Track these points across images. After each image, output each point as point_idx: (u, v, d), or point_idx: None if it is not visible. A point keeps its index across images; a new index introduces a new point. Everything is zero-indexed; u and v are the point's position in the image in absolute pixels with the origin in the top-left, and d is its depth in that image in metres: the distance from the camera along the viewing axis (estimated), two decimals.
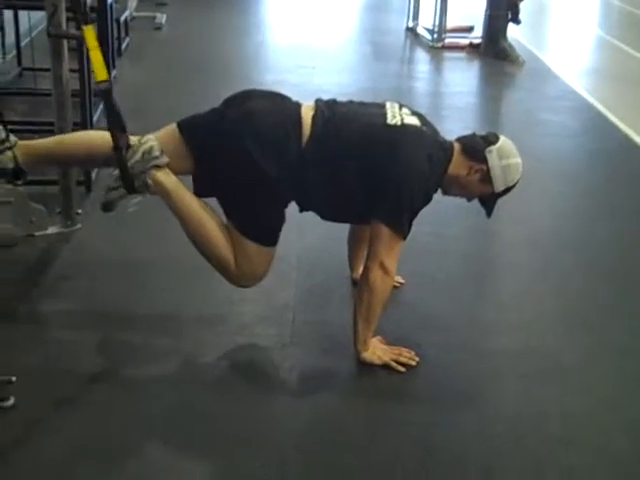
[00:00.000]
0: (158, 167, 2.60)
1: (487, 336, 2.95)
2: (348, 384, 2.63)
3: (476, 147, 2.69)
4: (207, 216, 2.65)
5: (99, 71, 2.58)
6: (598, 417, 2.51)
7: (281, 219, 2.69)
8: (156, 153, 2.60)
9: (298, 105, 2.70)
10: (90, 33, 2.61)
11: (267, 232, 2.68)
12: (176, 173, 2.66)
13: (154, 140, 2.63)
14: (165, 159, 2.61)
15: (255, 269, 2.70)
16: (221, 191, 2.67)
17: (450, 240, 3.71)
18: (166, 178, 2.61)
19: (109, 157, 2.63)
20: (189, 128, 2.71)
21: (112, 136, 2.57)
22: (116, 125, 2.59)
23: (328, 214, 2.80)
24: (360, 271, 2.77)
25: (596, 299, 3.25)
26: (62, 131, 3.36)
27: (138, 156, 2.58)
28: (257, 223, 2.65)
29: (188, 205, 2.63)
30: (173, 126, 2.73)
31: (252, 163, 2.55)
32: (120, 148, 2.58)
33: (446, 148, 2.70)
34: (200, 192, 2.69)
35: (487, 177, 2.68)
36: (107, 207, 2.71)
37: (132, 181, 2.60)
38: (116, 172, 2.64)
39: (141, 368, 2.62)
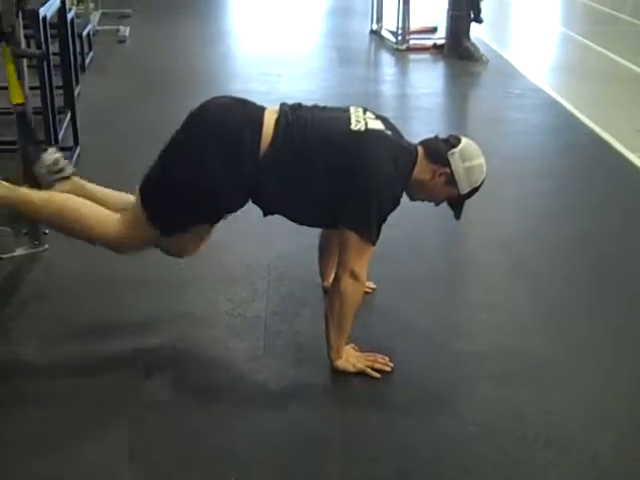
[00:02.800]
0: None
1: (461, 338, 2.95)
2: (323, 393, 2.62)
3: (438, 151, 2.69)
4: (67, 201, 2.70)
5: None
6: (576, 417, 2.51)
7: (195, 221, 2.69)
8: None
9: (262, 109, 2.69)
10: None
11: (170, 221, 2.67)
12: None
13: None
14: None
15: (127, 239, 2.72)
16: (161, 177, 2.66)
17: (420, 242, 3.71)
18: (5, 189, 2.69)
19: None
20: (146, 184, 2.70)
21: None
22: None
23: (294, 217, 2.79)
24: (331, 279, 2.76)
25: (570, 297, 3.25)
26: (25, 149, 3.33)
27: None
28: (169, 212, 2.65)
29: (43, 202, 2.70)
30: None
31: (208, 167, 2.54)
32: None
33: (411, 152, 2.70)
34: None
35: (452, 180, 2.68)
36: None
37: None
38: None
39: (113, 385, 2.59)
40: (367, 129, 2.63)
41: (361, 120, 2.66)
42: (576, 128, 5.55)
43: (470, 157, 2.69)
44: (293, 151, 2.59)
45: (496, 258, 3.59)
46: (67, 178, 2.84)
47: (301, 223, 2.84)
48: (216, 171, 2.55)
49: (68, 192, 2.76)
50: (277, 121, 2.62)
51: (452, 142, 2.70)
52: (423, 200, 2.81)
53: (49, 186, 2.80)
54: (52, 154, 2.81)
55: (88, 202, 2.72)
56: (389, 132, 2.68)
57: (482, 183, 2.73)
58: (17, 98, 2.61)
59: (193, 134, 2.61)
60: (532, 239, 3.80)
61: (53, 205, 2.70)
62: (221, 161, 2.55)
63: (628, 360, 2.82)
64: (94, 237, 2.71)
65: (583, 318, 3.09)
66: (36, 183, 2.82)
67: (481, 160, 2.71)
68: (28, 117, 2.71)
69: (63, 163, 2.83)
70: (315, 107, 2.78)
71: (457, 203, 2.76)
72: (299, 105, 2.75)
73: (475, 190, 2.73)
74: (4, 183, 2.71)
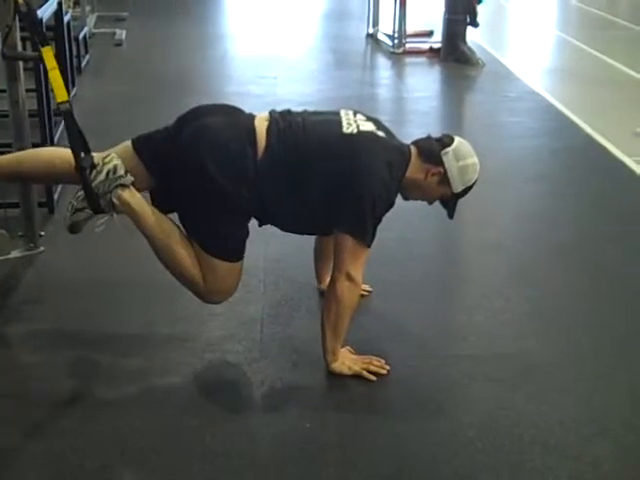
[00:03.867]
0: (123, 186, 2.57)
1: (456, 341, 2.95)
2: (319, 396, 2.62)
3: (432, 150, 2.70)
4: (174, 234, 2.61)
5: (59, 92, 2.55)
6: (572, 420, 2.50)
7: (243, 233, 2.66)
8: (121, 172, 2.56)
9: (251, 117, 2.69)
10: (49, 54, 2.58)
11: (229, 248, 2.65)
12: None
13: (117, 159, 2.59)
14: (130, 178, 2.57)
15: (221, 285, 2.67)
16: (179, 208, 2.65)
17: (415, 245, 3.71)
18: (132, 197, 2.58)
19: (71, 176, 2.60)
20: (144, 147, 2.68)
21: (74, 157, 2.54)
22: (78, 146, 2.56)
23: (288, 226, 2.79)
24: (327, 282, 2.76)
25: (568, 301, 3.25)
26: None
27: (102, 176, 2.55)
28: (218, 239, 2.62)
29: (154, 224, 2.60)
30: (128, 143, 2.71)
31: (209, 179, 2.52)
32: (84, 169, 2.55)
33: (404, 151, 2.70)
34: (158, 208, 2.66)
35: (445, 179, 2.68)
36: (74, 229, 2.68)
37: (98, 201, 2.57)
38: (81, 193, 2.60)
39: (110, 389, 2.59)
40: (359, 132, 2.63)
41: (352, 123, 2.66)
42: (572, 131, 5.56)
43: (464, 156, 2.69)
44: (287, 157, 2.59)
45: (492, 261, 3.58)
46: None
47: (295, 231, 2.84)
48: (225, 183, 2.53)
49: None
50: (269, 128, 2.61)
51: (445, 141, 2.71)
52: (416, 199, 2.81)
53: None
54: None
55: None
56: (381, 133, 2.68)
57: (475, 182, 2.73)
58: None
59: (193, 157, 2.55)
60: (528, 242, 3.80)
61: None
62: (224, 174, 2.52)
63: (626, 364, 2.82)
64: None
65: (580, 322, 3.09)
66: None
67: (474, 159, 2.72)
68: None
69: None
70: (305, 112, 2.78)
71: (450, 202, 2.77)
72: (288, 111, 2.75)
73: (468, 189, 2.73)
74: (137, 193, 2.59)
